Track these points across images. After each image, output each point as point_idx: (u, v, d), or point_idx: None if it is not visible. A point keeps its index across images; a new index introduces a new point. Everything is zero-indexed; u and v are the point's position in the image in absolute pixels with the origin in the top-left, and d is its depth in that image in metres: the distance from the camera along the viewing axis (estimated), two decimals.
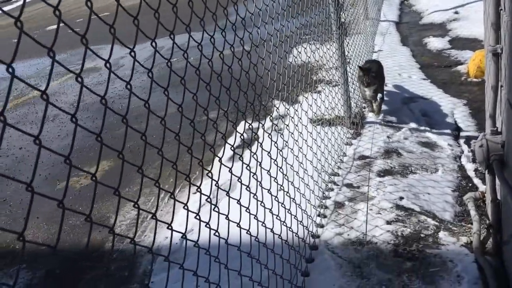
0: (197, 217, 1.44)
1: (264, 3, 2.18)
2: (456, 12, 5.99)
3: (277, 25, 2.50)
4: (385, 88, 4.36)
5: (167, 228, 1.31)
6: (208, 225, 1.50)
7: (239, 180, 1.71)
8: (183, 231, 1.39)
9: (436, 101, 4.03)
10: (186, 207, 1.40)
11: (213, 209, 1.57)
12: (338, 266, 2.14)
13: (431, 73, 4.63)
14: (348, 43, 3.88)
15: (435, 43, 5.31)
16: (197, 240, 1.44)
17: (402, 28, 6.12)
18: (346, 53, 3.65)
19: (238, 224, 1.65)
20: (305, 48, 2.96)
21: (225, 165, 1.62)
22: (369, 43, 5.23)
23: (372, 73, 3.58)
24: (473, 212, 2.31)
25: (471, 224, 2.30)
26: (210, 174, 1.55)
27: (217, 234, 1.55)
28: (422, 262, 2.11)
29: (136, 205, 1.14)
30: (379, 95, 3.70)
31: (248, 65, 1.82)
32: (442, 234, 2.28)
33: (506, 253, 1.88)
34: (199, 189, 1.50)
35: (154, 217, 1.24)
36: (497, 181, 1.94)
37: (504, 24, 1.57)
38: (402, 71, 4.71)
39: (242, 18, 1.82)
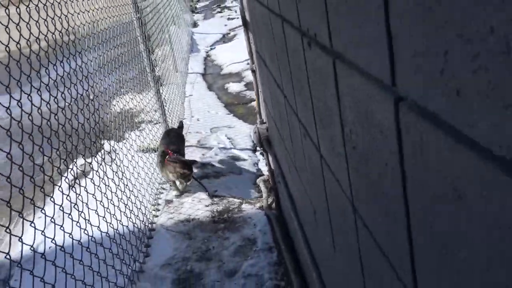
0: (33, 249, 1.92)
1: (76, 63, 2.71)
2: (248, 63, 7.45)
3: (91, 82, 2.99)
4: (198, 122, 5.37)
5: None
6: (53, 241, 2.01)
7: (63, 211, 2.32)
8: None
9: (238, 128, 5.13)
10: (20, 240, 1.77)
11: (60, 228, 2.10)
12: (172, 236, 2.87)
13: (233, 109, 5.80)
14: (163, 90, 4.77)
15: (234, 87, 6.58)
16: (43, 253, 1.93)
17: (207, 78, 7.33)
18: (163, 97, 4.53)
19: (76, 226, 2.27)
20: (121, 99, 3.74)
21: (55, 202, 2.16)
22: (181, 90, 6.22)
23: (190, 170, 3.43)
24: (262, 187, 3.31)
25: (262, 197, 3.27)
26: (44, 209, 2.11)
27: (62, 249, 2.05)
28: (231, 222, 2.97)
29: None
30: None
31: (64, 119, 2.26)
32: (244, 206, 3.20)
33: (279, 191, 2.86)
34: (43, 211, 2.02)
35: None
36: (271, 159, 2.95)
37: (253, 51, 2.61)
38: (210, 109, 5.78)
39: (58, 77, 2.32)
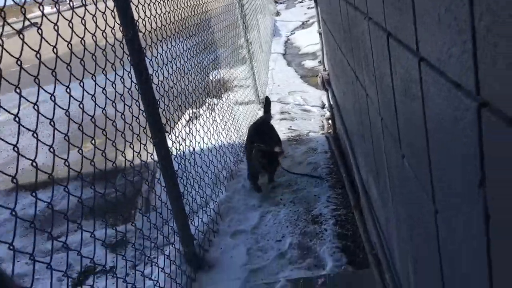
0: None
1: (185, 46, 4.16)
2: None
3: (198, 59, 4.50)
4: (278, 87, 6.81)
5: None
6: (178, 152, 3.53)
7: (193, 134, 3.82)
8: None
9: (311, 93, 6.50)
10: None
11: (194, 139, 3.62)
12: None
13: (307, 79, 7.17)
14: (254, 63, 6.28)
15: (309, 63, 7.94)
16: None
17: (287, 57, 8.76)
18: (254, 68, 6.04)
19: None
20: (219, 71, 5.27)
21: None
22: (265, 65, 7.70)
23: (275, 160, 3.47)
24: (324, 121, 4.67)
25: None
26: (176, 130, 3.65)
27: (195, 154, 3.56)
28: (301, 141, 4.37)
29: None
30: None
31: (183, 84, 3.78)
32: (311, 133, 4.58)
33: (336, 118, 4.19)
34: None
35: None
36: (330, 95, 4.30)
37: (320, 18, 3.97)
38: (289, 79, 7.20)
39: (175, 57, 3.84)
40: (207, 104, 5.74)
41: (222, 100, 5.14)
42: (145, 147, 2.36)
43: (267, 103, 4.52)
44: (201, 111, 4.84)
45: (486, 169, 0.62)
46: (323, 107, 5.87)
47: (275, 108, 5.63)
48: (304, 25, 11.11)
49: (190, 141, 3.37)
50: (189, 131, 3.60)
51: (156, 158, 2.50)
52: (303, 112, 5.61)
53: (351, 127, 2.83)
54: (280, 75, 7.46)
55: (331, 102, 4.32)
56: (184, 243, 2.55)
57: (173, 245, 2.52)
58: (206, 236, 2.83)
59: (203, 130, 3.78)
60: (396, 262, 1.73)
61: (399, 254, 1.60)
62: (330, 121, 4.63)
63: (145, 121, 2.43)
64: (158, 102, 2.40)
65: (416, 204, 1.13)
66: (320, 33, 4.15)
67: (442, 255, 1.02)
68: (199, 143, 3.52)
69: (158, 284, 2.13)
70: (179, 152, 2.82)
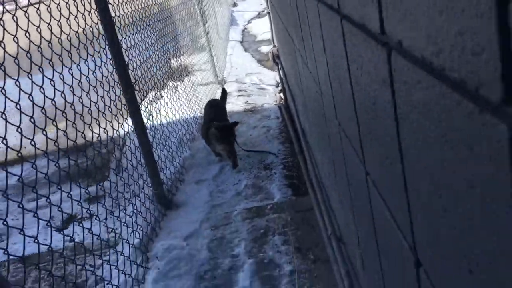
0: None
1: (143, 35, 4.69)
2: None
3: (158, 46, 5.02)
4: (236, 70, 7.30)
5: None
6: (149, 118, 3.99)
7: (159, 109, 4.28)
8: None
9: (266, 74, 7.01)
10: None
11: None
12: None
13: (263, 63, 7.69)
14: (212, 49, 6.75)
15: (265, 49, 8.46)
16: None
17: (244, 44, 9.25)
18: (213, 53, 6.50)
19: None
20: (179, 58, 5.72)
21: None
22: (224, 51, 8.18)
23: (232, 134, 3.62)
24: (277, 95, 5.19)
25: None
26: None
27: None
28: (256, 110, 4.88)
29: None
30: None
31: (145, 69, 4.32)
32: (265, 105, 5.10)
33: (286, 90, 4.72)
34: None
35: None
36: (280, 68, 4.82)
37: (268, 1, 4.48)
38: (246, 63, 7.70)
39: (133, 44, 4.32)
40: (170, 85, 6.17)
41: (184, 78, 5.60)
42: (111, 124, 2.78)
43: (223, 96, 4.74)
44: (166, 90, 5.28)
45: (349, 61, 1.13)
46: (277, 85, 6.40)
47: (232, 87, 6.12)
48: (260, 15, 11.62)
49: (156, 104, 3.82)
50: (155, 96, 4.06)
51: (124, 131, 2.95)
52: (259, 90, 6.12)
53: (293, 87, 3.35)
54: (237, 59, 7.95)
55: (281, 75, 4.85)
56: (154, 186, 3.02)
57: (149, 186, 2.99)
58: (173, 183, 3.30)
59: (167, 97, 4.25)
60: (321, 174, 2.26)
61: (321, 165, 2.13)
62: (282, 95, 5.15)
63: (110, 103, 2.86)
64: (127, 64, 2.84)
65: (319, 112, 1.65)
66: (268, 13, 4.67)
67: (331, 143, 1.54)
68: (164, 107, 4.00)
69: (136, 208, 2.61)
70: (147, 110, 3.27)
